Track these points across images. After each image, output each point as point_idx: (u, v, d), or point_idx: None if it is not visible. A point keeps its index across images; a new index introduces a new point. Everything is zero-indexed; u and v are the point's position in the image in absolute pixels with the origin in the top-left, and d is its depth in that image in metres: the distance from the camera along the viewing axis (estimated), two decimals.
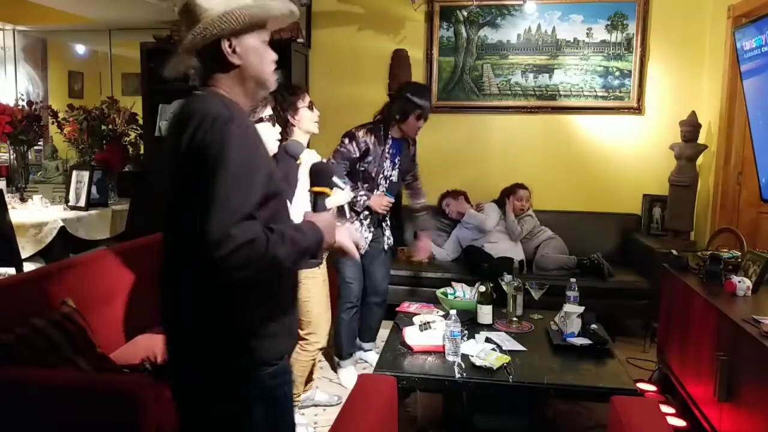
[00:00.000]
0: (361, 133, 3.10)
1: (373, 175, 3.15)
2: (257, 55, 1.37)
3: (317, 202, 1.67)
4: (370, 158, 3.10)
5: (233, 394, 1.34)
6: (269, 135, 2.16)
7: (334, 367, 3.40)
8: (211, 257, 1.17)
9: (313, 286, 2.64)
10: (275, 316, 1.38)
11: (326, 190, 1.70)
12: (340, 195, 2.33)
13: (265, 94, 1.55)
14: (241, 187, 1.21)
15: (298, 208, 2.28)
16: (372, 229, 3.25)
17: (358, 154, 3.09)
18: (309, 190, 1.71)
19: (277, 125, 2.22)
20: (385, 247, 3.35)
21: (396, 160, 3.22)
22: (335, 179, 2.45)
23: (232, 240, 1.16)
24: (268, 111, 2.17)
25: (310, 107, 2.62)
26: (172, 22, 4.53)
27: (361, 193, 3.12)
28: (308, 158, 2.42)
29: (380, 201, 3.14)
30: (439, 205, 4.35)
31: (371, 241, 3.26)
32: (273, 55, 1.42)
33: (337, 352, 3.35)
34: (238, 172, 1.21)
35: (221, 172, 1.19)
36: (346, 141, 3.10)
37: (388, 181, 3.21)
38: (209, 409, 1.36)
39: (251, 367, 1.34)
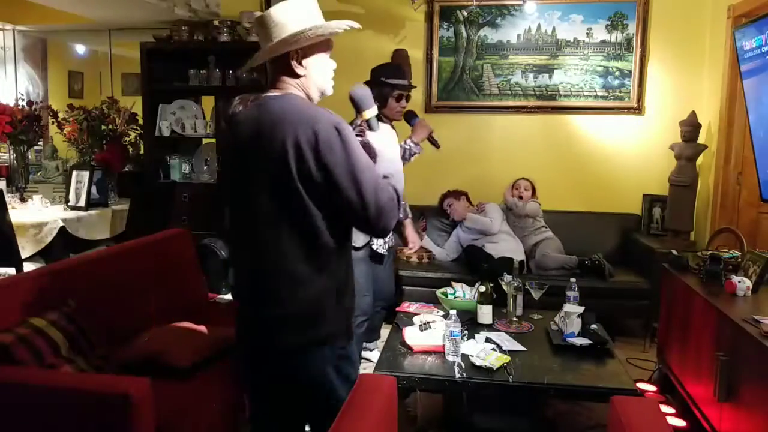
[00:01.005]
0: (358, 125, 3.06)
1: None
2: (319, 67, 1.62)
3: (371, 125, 1.71)
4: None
5: (325, 357, 1.60)
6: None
7: None
8: (376, 227, 1.51)
9: None
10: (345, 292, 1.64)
11: (368, 113, 1.73)
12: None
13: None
14: (369, 166, 1.52)
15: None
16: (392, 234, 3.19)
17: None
18: (361, 119, 1.75)
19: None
20: (388, 247, 3.32)
21: (419, 146, 3.11)
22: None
23: (385, 209, 1.49)
24: None
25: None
26: (172, 22, 4.54)
27: (403, 143, 2.98)
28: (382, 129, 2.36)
29: (419, 128, 3.01)
30: (440, 205, 4.34)
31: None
32: (333, 65, 1.68)
33: None
34: (361, 156, 1.50)
35: (352, 160, 1.47)
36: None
37: None
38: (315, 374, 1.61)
39: (337, 335, 1.61)
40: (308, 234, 1.50)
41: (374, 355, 3.50)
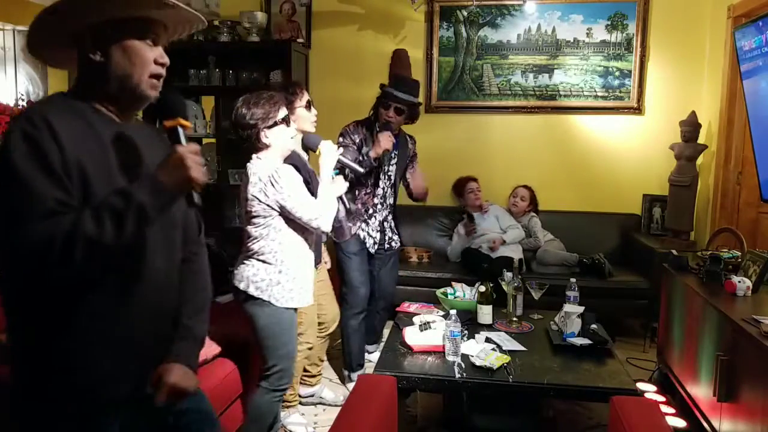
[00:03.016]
0: (350, 128, 3.11)
1: (372, 164, 3.11)
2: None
3: (171, 138, 1.27)
4: (366, 149, 3.08)
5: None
6: (284, 135, 2.18)
7: (342, 378, 3.30)
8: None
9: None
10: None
11: (181, 121, 1.27)
12: (327, 153, 2.37)
13: None
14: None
15: (324, 196, 2.32)
16: (378, 232, 3.23)
17: (355, 147, 3.07)
18: (164, 125, 1.30)
19: (292, 125, 2.25)
20: (391, 246, 3.33)
21: (392, 154, 3.14)
22: (347, 161, 2.46)
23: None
24: (282, 113, 2.18)
25: (308, 107, 2.63)
26: None
27: (363, 150, 3.03)
28: (326, 149, 2.42)
29: (383, 138, 2.96)
30: (457, 192, 4.30)
31: (378, 247, 3.25)
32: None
33: (347, 363, 3.23)
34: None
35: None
36: (341, 139, 3.09)
37: (386, 176, 3.20)
38: None
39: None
40: None
41: (375, 357, 3.50)
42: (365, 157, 3.00)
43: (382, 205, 3.24)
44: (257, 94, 2.19)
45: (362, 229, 3.18)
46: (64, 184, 1.09)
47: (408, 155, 3.32)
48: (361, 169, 2.75)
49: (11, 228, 1.06)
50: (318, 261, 2.65)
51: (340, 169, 2.53)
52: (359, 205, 3.15)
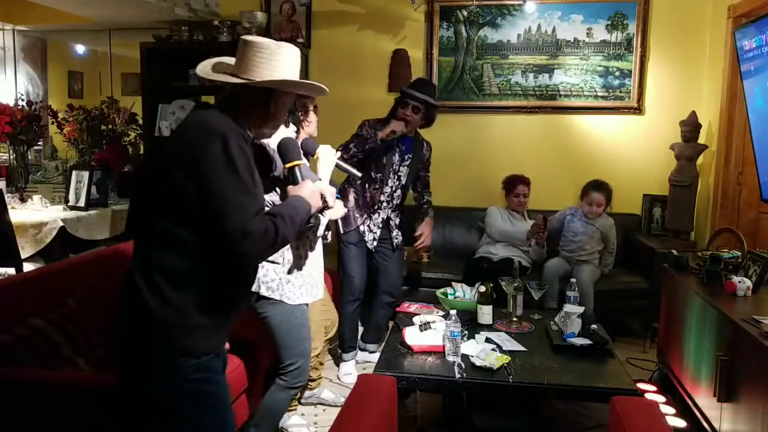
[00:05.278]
0: (371, 122, 3.24)
1: (384, 161, 3.23)
2: (284, 111, 1.68)
3: (293, 175, 1.76)
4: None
5: (162, 379, 1.45)
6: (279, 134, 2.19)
7: (338, 362, 3.44)
8: (236, 252, 1.41)
9: None
10: (211, 312, 1.48)
11: (298, 162, 1.78)
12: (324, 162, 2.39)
13: None
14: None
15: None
16: (379, 228, 3.32)
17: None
18: (284, 167, 1.78)
19: (291, 125, 2.25)
20: (394, 244, 3.40)
21: (406, 157, 3.30)
22: (346, 166, 2.49)
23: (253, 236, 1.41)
24: None
25: (315, 110, 2.65)
26: (172, 22, 4.54)
27: (371, 136, 3.15)
28: (324, 154, 2.43)
29: (394, 121, 3.16)
30: (506, 190, 4.11)
31: (380, 241, 3.34)
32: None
33: (340, 344, 3.40)
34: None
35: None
36: (359, 129, 3.22)
37: (396, 175, 3.30)
38: (140, 395, 1.49)
39: (175, 358, 1.45)
40: None
41: (376, 357, 3.51)
42: (373, 134, 3.13)
43: (388, 204, 3.32)
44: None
45: (364, 223, 3.29)
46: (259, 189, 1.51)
47: (422, 159, 3.42)
48: (359, 174, 2.76)
49: (244, 217, 1.41)
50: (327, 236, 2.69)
51: (341, 191, 2.60)
52: (367, 198, 3.26)
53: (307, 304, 2.32)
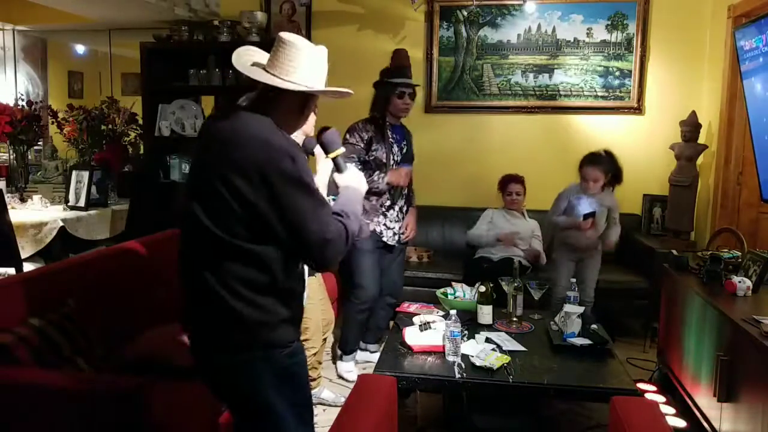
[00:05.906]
0: (359, 125, 3.19)
1: (384, 159, 3.18)
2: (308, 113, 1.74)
3: (339, 165, 1.79)
4: (375, 146, 3.16)
5: (256, 371, 1.54)
6: (311, 124, 2.25)
7: (336, 361, 3.42)
8: (319, 260, 1.53)
9: (310, 291, 2.62)
10: (287, 306, 1.57)
11: (338, 151, 1.81)
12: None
13: None
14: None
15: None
16: (397, 222, 3.28)
17: (362, 145, 3.15)
18: (327, 158, 1.82)
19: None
20: (398, 242, 3.35)
21: (402, 146, 3.28)
22: (342, 161, 2.49)
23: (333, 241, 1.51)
24: None
25: (315, 109, 2.64)
26: (172, 22, 4.54)
27: (376, 175, 3.12)
28: (321, 152, 2.42)
29: (399, 173, 3.17)
30: (501, 188, 4.02)
31: (398, 237, 3.30)
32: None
33: (342, 346, 3.34)
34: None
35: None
36: (348, 136, 3.16)
37: (398, 165, 3.25)
38: (236, 386, 1.57)
39: (269, 349, 1.54)
40: None
41: (375, 356, 3.51)
42: (380, 181, 3.12)
43: (400, 195, 3.28)
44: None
45: (379, 224, 3.22)
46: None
47: (412, 144, 3.40)
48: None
49: (323, 227, 1.50)
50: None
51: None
52: (374, 201, 3.19)
53: None
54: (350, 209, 1.63)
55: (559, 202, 3.57)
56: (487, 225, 3.99)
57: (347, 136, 3.16)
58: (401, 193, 3.29)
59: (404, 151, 3.29)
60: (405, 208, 3.36)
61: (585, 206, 3.40)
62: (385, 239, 3.24)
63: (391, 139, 3.22)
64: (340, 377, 3.30)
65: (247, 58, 1.63)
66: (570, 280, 2.98)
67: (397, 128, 3.28)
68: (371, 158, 3.16)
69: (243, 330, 1.51)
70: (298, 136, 2.51)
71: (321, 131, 1.84)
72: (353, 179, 1.76)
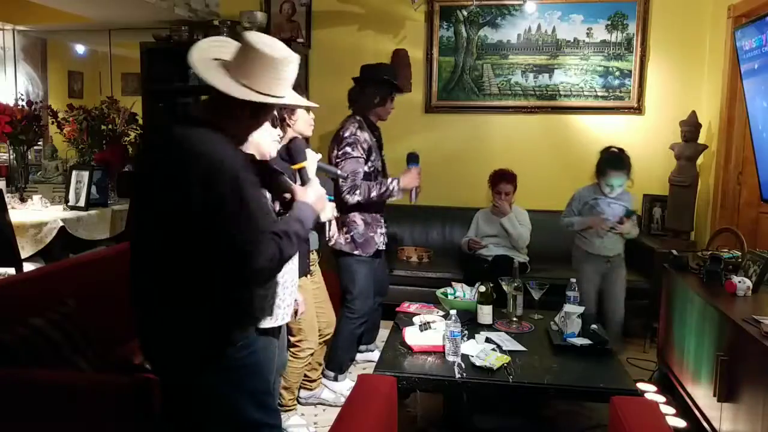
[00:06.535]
0: (359, 135, 2.95)
1: (380, 168, 3.08)
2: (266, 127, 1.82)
3: (302, 176, 1.78)
4: (374, 155, 3.01)
5: (209, 369, 1.55)
6: (264, 134, 2.15)
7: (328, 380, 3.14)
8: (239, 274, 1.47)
9: (304, 293, 2.53)
10: (236, 309, 1.56)
11: (303, 163, 1.81)
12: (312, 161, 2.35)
13: None
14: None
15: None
16: (386, 227, 3.18)
17: (365, 157, 2.94)
18: (290, 168, 1.81)
19: (277, 127, 2.22)
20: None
21: (381, 143, 3.15)
22: (327, 166, 2.49)
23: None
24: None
25: (307, 109, 2.61)
26: (172, 22, 4.54)
27: (389, 182, 2.96)
28: (312, 159, 2.40)
29: (412, 176, 2.97)
30: (495, 184, 3.97)
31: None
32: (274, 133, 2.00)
33: (337, 366, 3.09)
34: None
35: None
36: (350, 150, 2.92)
37: (380, 172, 3.10)
38: (190, 386, 1.57)
39: (219, 349, 1.55)
40: None
41: (375, 355, 3.50)
42: (394, 191, 2.94)
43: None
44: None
45: (379, 234, 3.10)
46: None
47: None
48: (343, 174, 2.73)
49: (254, 254, 1.45)
50: (304, 272, 2.57)
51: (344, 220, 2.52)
52: (374, 211, 3.06)
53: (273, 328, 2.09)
54: (293, 229, 1.55)
55: (573, 203, 3.55)
56: (473, 231, 4.01)
57: (348, 149, 2.91)
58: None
59: (382, 151, 3.15)
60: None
61: (618, 207, 3.40)
62: (381, 246, 3.12)
63: (378, 140, 3.09)
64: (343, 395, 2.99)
65: (208, 56, 1.53)
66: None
67: (375, 126, 3.13)
68: (371, 170, 2.98)
69: (192, 339, 1.52)
70: (287, 137, 2.49)
71: (289, 141, 1.85)
72: (311, 195, 1.70)
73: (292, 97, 1.60)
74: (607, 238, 3.41)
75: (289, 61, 1.52)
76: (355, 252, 3.02)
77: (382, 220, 3.16)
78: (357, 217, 3.01)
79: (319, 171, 2.44)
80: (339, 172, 2.69)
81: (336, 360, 3.09)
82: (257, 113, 1.55)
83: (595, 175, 3.43)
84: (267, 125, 2.13)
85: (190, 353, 1.54)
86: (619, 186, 3.37)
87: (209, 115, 1.53)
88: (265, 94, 1.50)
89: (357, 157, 2.92)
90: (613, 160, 3.38)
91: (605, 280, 3.47)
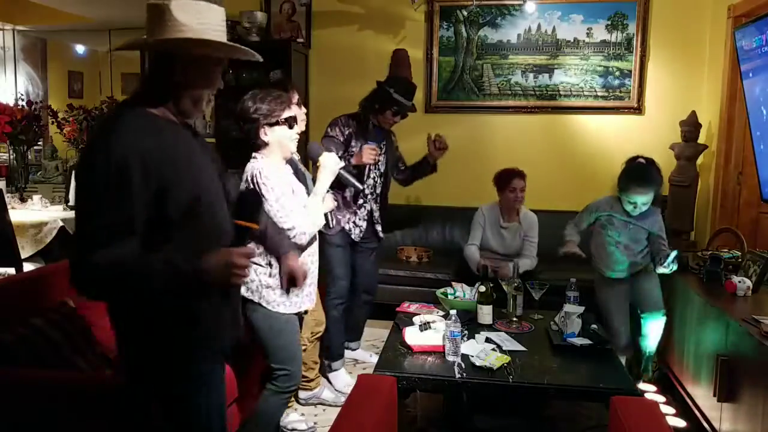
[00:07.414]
0: (342, 120, 3.15)
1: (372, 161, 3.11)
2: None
3: (238, 233, 1.51)
4: (355, 143, 3.10)
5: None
6: (284, 136, 2.18)
7: (322, 369, 3.22)
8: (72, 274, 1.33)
9: None
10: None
11: (252, 225, 1.51)
12: (322, 203, 2.38)
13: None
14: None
15: (312, 210, 2.29)
16: (365, 221, 3.21)
17: (342, 139, 3.10)
18: (237, 222, 1.51)
19: (295, 126, 2.22)
20: (380, 236, 3.33)
21: (381, 146, 3.18)
22: (349, 177, 2.47)
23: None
24: (287, 113, 2.17)
25: (298, 104, 2.60)
26: None
27: (352, 144, 3.08)
28: (326, 161, 2.40)
29: (365, 151, 3.02)
30: (498, 186, 3.77)
31: (362, 239, 3.23)
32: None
33: (327, 353, 3.22)
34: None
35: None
36: (329, 129, 3.14)
37: (375, 165, 3.16)
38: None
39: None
40: None
41: (360, 354, 3.52)
42: (348, 162, 3.02)
43: (371, 196, 3.23)
44: (267, 91, 2.18)
45: (349, 221, 3.19)
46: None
47: (393, 144, 3.35)
48: (361, 186, 2.75)
49: (91, 245, 1.30)
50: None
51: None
52: (347, 197, 3.15)
53: (296, 314, 2.25)
54: (174, 267, 1.36)
55: (584, 215, 3.08)
56: (479, 235, 3.76)
57: (328, 129, 3.14)
58: (374, 193, 3.21)
59: (384, 151, 3.20)
60: (378, 213, 3.27)
61: (638, 231, 2.86)
62: (353, 237, 3.19)
63: (371, 141, 3.12)
64: (342, 392, 3.10)
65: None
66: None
67: (378, 129, 3.19)
68: (349, 157, 3.08)
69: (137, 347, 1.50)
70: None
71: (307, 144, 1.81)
72: (218, 262, 1.44)
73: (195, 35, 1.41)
74: (622, 255, 2.91)
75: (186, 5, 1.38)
76: (322, 230, 3.05)
77: (359, 212, 3.19)
78: (328, 196, 3.06)
79: (339, 179, 2.45)
80: (358, 185, 2.69)
81: (325, 346, 3.17)
82: (172, 70, 1.41)
83: (617, 189, 2.86)
84: (284, 128, 2.15)
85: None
86: (644, 205, 2.77)
87: (144, 88, 1.48)
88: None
89: (333, 136, 3.11)
90: (640, 174, 2.77)
91: (634, 284, 2.99)
